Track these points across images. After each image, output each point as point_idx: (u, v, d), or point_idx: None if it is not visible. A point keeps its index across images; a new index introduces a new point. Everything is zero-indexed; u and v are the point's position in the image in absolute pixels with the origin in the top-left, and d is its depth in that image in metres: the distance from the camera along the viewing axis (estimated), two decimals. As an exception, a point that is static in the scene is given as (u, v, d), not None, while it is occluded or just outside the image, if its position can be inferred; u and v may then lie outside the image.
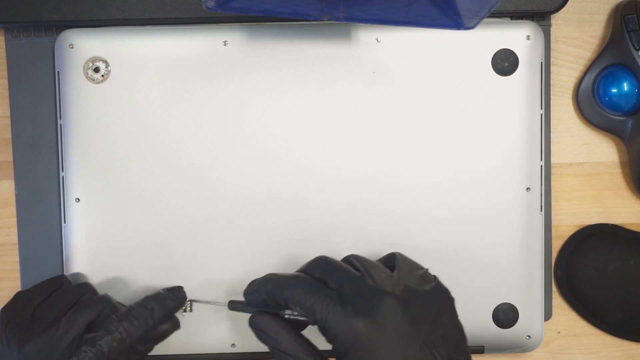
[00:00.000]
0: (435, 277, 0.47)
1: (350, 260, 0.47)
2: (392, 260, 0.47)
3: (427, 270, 0.47)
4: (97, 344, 0.47)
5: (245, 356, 0.55)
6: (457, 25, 0.44)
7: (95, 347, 0.47)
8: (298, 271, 0.47)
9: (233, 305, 0.49)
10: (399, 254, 0.48)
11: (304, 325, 0.46)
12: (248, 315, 0.54)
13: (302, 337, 0.46)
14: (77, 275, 0.54)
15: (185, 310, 0.52)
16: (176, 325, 0.51)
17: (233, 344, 0.55)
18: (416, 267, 0.47)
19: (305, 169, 0.54)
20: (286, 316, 0.46)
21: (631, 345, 0.58)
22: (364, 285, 0.44)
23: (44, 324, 0.48)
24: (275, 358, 0.46)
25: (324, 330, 0.44)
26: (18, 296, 0.51)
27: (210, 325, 0.55)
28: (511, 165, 0.54)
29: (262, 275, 0.47)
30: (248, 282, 0.54)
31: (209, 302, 0.52)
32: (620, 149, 0.57)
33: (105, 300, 0.50)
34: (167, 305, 0.50)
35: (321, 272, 0.46)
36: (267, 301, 0.46)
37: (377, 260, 0.48)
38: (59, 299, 0.50)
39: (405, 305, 0.43)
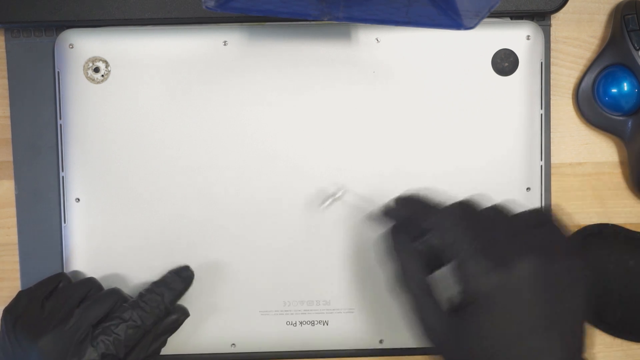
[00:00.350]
0: (578, 252, 0.44)
1: (500, 209, 0.44)
2: (544, 217, 0.44)
3: (574, 243, 0.45)
4: (113, 332, 0.47)
5: (245, 356, 0.55)
6: (457, 25, 0.44)
7: (111, 335, 0.47)
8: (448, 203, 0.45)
9: (376, 214, 0.46)
10: (554, 214, 0.45)
11: (435, 259, 0.44)
12: (249, 315, 0.55)
13: (427, 272, 0.43)
14: (77, 274, 0.54)
15: (334, 199, 0.52)
16: (186, 314, 0.52)
17: (233, 344, 0.55)
18: (563, 238, 0.44)
19: (305, 168, 0.54)
20: (420, 242, 0.43)
21: (631, 345, 0.58)
22: (509, 240, 0.42)
23: (56, 318, 0.48)
24: (394, 281, 0.44)
25: (454, 271, 0.42)
26: (20, 295, 0.51)
27: (210, 325, 0.55)
28: (511, 165, 0.54)
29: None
30: (248, 282, 0.55)
31: (360, 198, 0.51)
32: (620, 149, 0.57)
33: (117, 293, 0.50)
34: (176, 287, 0.51)
35: (470, 214, 0.43)
36: (408, 221, 0.44)
37: (532, 210, 0.45)
38: (68, 294, 0.50)
39: (544, 271, 0.41)
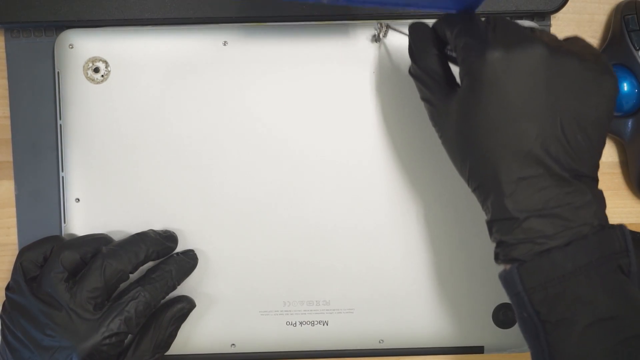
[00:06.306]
0: (607, 63, 0.42)
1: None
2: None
3: (603, 55, 0.43)
4: (124, 310, 0.49)
5: (245, 356, 0.55)
6: (457, 6, 0.44)
7: (123, 314, 0.48)
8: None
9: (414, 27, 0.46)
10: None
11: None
12: (249, 315, 0.54)
13: (446, 64, 0.44)
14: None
15: (379, 37, 0.53)
16: (191, 303, 0.53)
17: (233, 344, 0.55)
18: (592, 48, 0.43)
19: (305, 168, 0.54)
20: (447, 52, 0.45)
21: (631, 345, 0.58)
22: (518, 30, 0.41)
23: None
24: (411, 73, 0.46)
25: (462, 48, 0.41)
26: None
27: (210, 326, 0.55)
28: (511, 165, 0.54)
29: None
30: (248, 282, 0.55)
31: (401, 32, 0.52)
32: (620, 149, 0.57)
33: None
34: (184, 265, 0.52)
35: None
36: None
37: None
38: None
39: (553, 62, 0.40)
